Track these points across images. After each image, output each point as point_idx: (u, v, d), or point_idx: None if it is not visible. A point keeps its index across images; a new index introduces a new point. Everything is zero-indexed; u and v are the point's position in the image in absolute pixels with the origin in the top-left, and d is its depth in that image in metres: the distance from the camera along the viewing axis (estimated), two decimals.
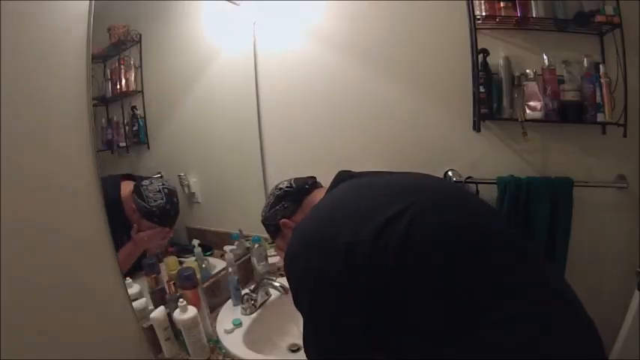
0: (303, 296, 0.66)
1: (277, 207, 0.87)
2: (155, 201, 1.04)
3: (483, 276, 0.58)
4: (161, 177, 1.16)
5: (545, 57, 1.14)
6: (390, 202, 0.64)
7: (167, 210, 1.07)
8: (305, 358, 0.91)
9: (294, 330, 1.19)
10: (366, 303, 0.59)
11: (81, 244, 0.85)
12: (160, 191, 1.06)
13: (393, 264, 0.57)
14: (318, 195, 0.84)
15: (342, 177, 0.80)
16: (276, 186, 0.91)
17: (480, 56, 1.17)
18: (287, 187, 0.89)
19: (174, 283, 1.00)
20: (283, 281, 1.16)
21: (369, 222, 0.61)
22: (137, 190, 1.04)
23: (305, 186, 0.88)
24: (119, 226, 0.92)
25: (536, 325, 0.56)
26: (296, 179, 0.90)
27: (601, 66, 1.09)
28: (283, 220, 0.85)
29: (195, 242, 1.25)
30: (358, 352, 0.63)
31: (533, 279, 0.61)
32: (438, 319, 0.57)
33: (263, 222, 0.91)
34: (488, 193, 1.20)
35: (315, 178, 0.92)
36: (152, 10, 1.16)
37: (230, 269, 1.18)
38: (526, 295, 0.58)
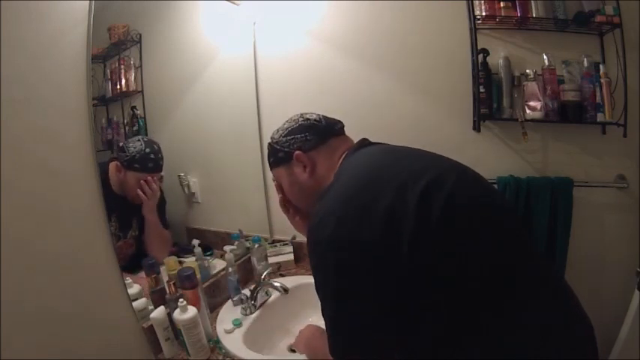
0: (326, 267, 0.59)
1: (298, 136, 0.77)
2: (135, 148, 1.04)
3: (501, 264, 0.58)
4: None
5: (545, 57, 1.14)
6: (428, 167, 0.62)
7: (147, 153, 1.06)
8: (303, 358, 0.92)
9: (294, 330, 1.19)
10: (396, 278, 0.55)
11: (81, 244, 0.85)
12: (139, 140, 1.06)
13: (435, 229, 0.55)
14: (344, 143, 0.78)
15: (364, 143, 0.76)
16: (302, 114, 0.81)
17: (480, 56, 1.17)
18: (315, 119, 0.79)
19: (174, 283, 1.00)
20: (283, 281, 1.17)
21: (412, 185, 0.58)
22: (120, 148, 1.04)
23: (335, 127, 0.80)
24: (112, 209, 0.92)
25: (538, 325, 0.56)
26: (325, 116, 0.81)
27: (601, 66, 1.09)
28: (299, 152, 0.75)
29: (195, 242, 1.25)
30: (380, 336, 0.59)
31: (538, 278, 0.61)
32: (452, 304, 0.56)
33: (273, 144, 0.80)
34: None
35: (343, 123, 0.83)
36: (152, 10, 1.16)
37: (230, 269, 1.18)
38: (531, 294, 0.58)
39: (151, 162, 1.07)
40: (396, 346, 0.60)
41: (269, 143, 0.82)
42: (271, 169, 0.84)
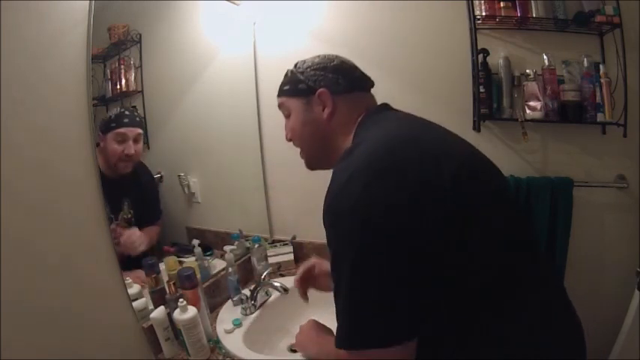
0: (353, 229, 0.53)
1: (328, 74, 0.71)
2: (111, 112, 1.04)
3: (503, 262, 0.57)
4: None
5: (545, 57, 1.14)
6: (458, 150, 0.62)
7: (122, 112, 1.06)
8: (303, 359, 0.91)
9: (294, 330, 1.19)
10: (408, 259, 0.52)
11: (81, 244, 0.85)
12: (116, 108, 1.07)
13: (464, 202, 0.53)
14: (368, 100, 0.75)
15: (388, 107, 0.74)
16: (338, 56, 0.75)
17: (480, 56, 1.17)
18: (352, 66, 0.75)
19: (174, 283, 1.00)
20: (283, 281, 1.16)
21: (446, 161, 0.56)
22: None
23: (367, 82, 0.75)
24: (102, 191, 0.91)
25: (538, 325, 0.56)
26: (360, 70, 0.77)
27: (601, 66, 1.09)
28: (324, 89, 0.70)
29: (195, 242, 1.25)
30: (411, 307, 0.53)
31: (538, 278, 0.62)
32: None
33: (296, 72, 0.74)
34: None
35: (373, 82, 0.79)
36: (152, 10, 1.16)
37: (230, 269, 1.18)
38: (531, 295, 0.58)
39: (126, 118, 1.06)
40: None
41: (290, 70, 0.77)
42: (281, 96, 0.78)
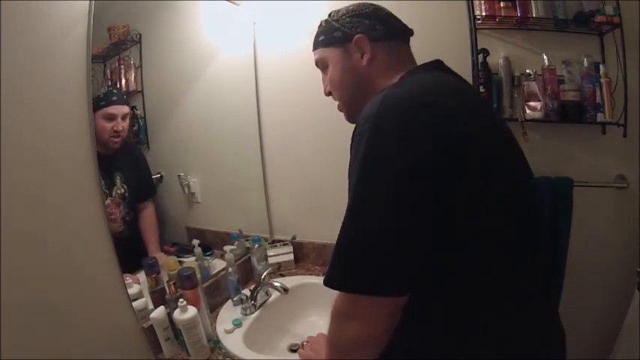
0: (380, 164, 0.51)
1: (365, 21, 0.69)
2: (101, 92, 1.03)
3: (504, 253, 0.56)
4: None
5: (545, 57, 1.14)
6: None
7: (110, 91, 1.05)
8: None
9: (294, 330, 1.19)
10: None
11: (81, 244, 0.85)
12: (105, 87, 1.07)
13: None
14: (408, 52, 0.74)
15: (444, 67, 0.72)
16: (372, 3, 0.73)
17: (480, 56, 1.17)
18: (389, 13, 0.73)
19: (174, 283, 1.00)
20: (283, 281, 1.16)
21: (474, 116, 0.56)
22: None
23: (406, 31, 0.74)
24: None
25: (538, 325, 0.56)
26: (398, 18, 0.75)
27: (601, 66, 1.09)
28: (361, 35, 0.68)
29: (195, 242, 1.25)
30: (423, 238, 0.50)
31: (538, 278, 0.62)
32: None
33: (331, 22, 0.72)
34: None
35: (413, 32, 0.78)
36: (152, 10, 1.16)
37: (230, 269, 1.18)
38: (531, 295, 0.58)
39: (114, 96, 1.06)
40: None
41: (325, 20, 0.75)
42: (317, 49, 0.75)
